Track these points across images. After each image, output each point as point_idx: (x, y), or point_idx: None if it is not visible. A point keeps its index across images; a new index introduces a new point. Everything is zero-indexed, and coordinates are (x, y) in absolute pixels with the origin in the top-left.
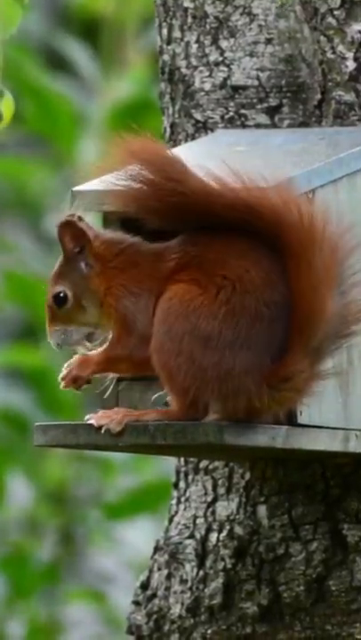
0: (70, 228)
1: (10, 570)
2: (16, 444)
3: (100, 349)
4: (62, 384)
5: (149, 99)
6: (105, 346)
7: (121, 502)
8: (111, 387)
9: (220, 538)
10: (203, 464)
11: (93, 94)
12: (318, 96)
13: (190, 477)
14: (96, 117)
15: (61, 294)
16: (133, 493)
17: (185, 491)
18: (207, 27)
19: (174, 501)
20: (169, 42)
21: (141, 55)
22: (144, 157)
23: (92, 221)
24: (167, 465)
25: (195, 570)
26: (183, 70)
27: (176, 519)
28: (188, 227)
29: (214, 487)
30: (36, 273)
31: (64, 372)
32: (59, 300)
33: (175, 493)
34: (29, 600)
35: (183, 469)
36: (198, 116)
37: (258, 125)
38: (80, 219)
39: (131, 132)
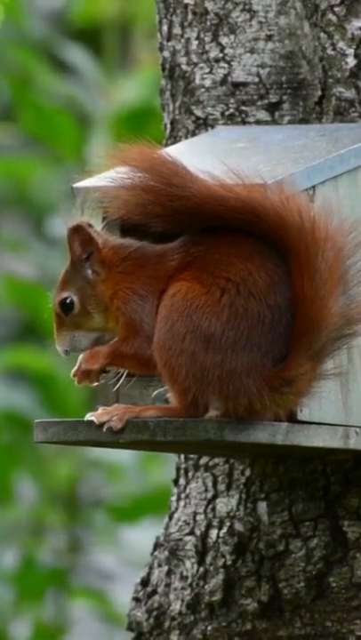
0: (80, 234)
1: (17, 574)
2: (22, 446)
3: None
4: (75, 380)
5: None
6: (113, 340)
7: (127, 505)
8: (121, 380)
9: (221, 534)
10: (203, 461)
11: (98, 96)
12: (319, 92)
13: (190, 474)
14: (101, 119)
15: (67, 300)
16: (140, 496)
17: (185, 487)
18: (207, 23)
19: (174, 498)
20: (169, 38)
21: (151, 56)
22: (144, 164)
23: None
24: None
25: (195, 566)
26: (184, 67)
27: (176, 516)
28: (192, 229)
29: (214, 484)
30: (38, 270)
31: (74, 368)
32: (65, 307)
33: (175, 490)
34: (36, 603)
35: (183, 466)
36: (199, 112)
37: (258, 122)
38: (89, 225)
39: (134, 137)
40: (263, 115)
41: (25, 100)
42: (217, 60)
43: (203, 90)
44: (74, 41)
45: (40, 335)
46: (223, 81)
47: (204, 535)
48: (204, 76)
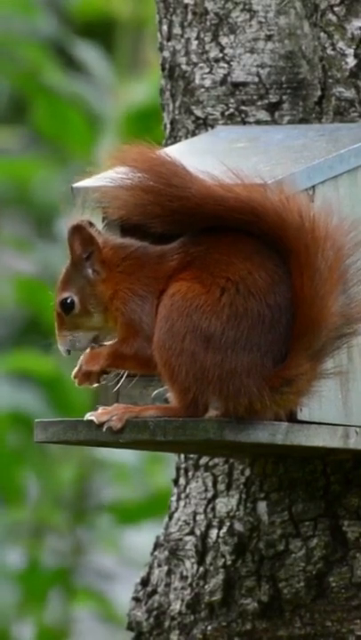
0: (80, 234)
1: (22, 575)
2: (29, 447)
3: (108, 344)
4: (76, 382)
5: None
6: (113, 341)
7: (131, 507)
8: (122, 380)
9: (221, 534)
10: (203, 460)
11: (108, 95)
12: (318, 92)
13: (190, 474)
14: (111, 119)
15: (68, 300)
16: (143, 499)
17: (185, 487)
18: (207, 23)
19: (174, 498)
20: (169, 38)
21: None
22: (144, 164)
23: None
24: None
25: (195, 566)
26: (183, 67)
27: (176, 516)
28: (192, 229)
29: (214, 484)
30: (40, 268)
31: (75, 369)
32: (66, 307)
33: (175, 490)
34: (40, 604)
35: (183, 466)
36: (199, 112)
37: (258, 122)
38: (90, 224)
39: (139, 137)
40: (263, 115)
41: (37, 94)
42: (217, 60)
43: (203, 90)
44: (79, 34)
45: (43, 332)
46: (223, 81)
47: (204, 535)
48: (204, 75)
